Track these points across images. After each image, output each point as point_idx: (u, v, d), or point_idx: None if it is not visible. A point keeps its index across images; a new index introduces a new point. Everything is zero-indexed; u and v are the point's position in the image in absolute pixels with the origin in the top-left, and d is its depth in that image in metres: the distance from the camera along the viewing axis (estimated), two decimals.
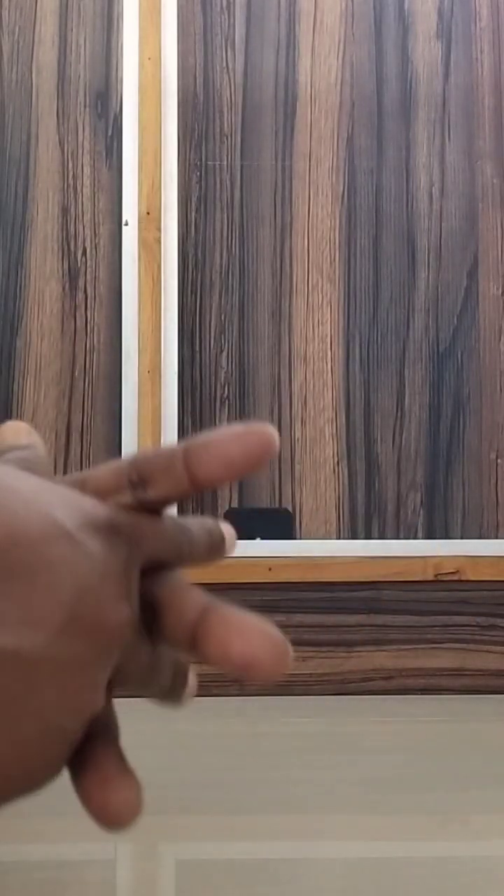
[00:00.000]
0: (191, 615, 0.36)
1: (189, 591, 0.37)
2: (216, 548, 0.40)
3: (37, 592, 0.32)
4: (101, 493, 0.38)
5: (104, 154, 1.69)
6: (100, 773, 0.35)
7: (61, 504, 0.35)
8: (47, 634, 0.32)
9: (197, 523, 0.40)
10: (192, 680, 0.41)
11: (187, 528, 0.39)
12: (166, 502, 0.38)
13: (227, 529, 0.41)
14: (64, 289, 1.66)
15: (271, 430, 0.37)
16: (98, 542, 0.35)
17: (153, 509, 0.38)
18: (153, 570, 0.38)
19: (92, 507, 0.36)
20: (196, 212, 1.68)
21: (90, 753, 0.36)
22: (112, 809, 0.35)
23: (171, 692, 0.40)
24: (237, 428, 0.37)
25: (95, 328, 1.66)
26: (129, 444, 1.63)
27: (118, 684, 0.37)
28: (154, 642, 0.38)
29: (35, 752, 0.33)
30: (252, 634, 0.35)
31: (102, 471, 0.39)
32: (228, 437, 0.37)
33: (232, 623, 0.35)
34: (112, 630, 0.34)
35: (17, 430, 0.42)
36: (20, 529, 0.33)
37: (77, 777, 0.36)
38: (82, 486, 0.38)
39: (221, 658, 0.35)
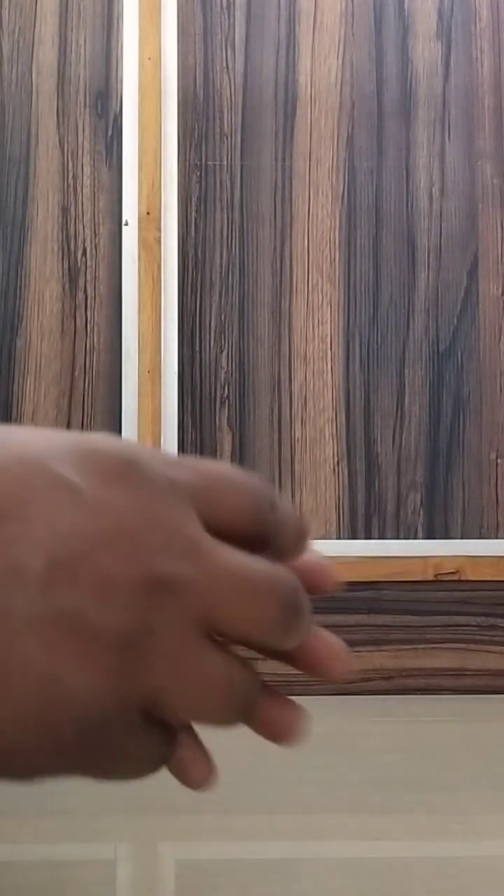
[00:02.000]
0: None
1: None
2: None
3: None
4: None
5: (104, 154, 1.69)
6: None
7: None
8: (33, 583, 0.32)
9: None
10: None
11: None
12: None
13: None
14: (64, 289, 1.66)
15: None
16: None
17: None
18: None
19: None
20: (196, 212, 1.68)
21: None
22: (192, 781, 0.39)
23: None
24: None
25: (95, 328, 1.66)
26: None
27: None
28: None
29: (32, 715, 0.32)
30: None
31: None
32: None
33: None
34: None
35: None
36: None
37: None
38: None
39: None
